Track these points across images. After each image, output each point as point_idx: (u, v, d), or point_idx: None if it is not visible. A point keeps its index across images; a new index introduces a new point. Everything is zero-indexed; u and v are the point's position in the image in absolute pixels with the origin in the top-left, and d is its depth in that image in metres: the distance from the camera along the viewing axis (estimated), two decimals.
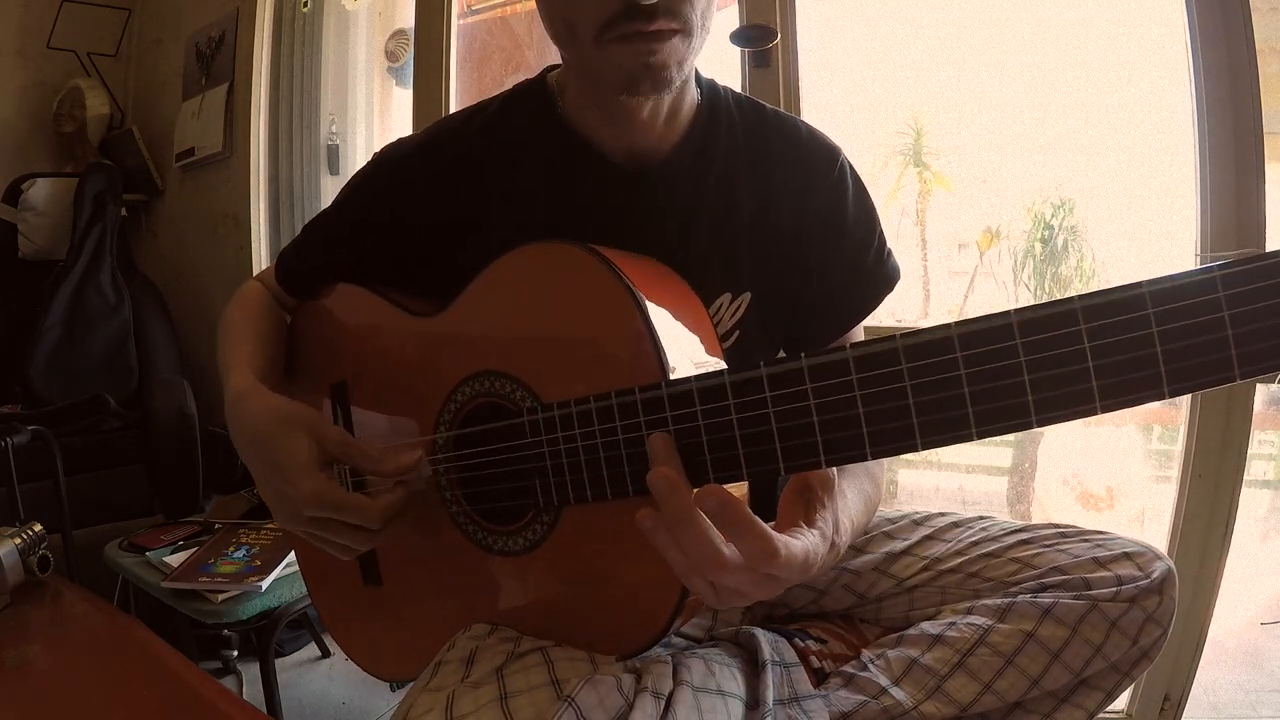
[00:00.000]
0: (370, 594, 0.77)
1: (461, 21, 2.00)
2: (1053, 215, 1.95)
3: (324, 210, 0.84)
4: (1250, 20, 1.21)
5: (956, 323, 0.43)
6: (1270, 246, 1.24)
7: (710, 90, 0.76)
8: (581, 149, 0.73)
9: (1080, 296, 0.41)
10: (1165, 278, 0.40)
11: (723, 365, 0.60)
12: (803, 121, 0.80)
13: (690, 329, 0.60)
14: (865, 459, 0.46)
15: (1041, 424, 0.42)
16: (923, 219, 2.16)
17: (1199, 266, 0.39)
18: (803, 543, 0.49)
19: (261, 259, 2.22)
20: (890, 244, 0.82)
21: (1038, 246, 1.96)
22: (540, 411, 0.58)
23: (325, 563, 0.80)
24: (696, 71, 0.75)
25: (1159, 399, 0.40)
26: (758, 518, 0.47)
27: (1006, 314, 0.42)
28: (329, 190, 2.21)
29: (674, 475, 0.48)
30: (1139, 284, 0.40)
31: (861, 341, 0.46)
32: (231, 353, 0.75)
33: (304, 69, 2.20)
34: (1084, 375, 0.41)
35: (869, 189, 0.81)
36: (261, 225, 2.23)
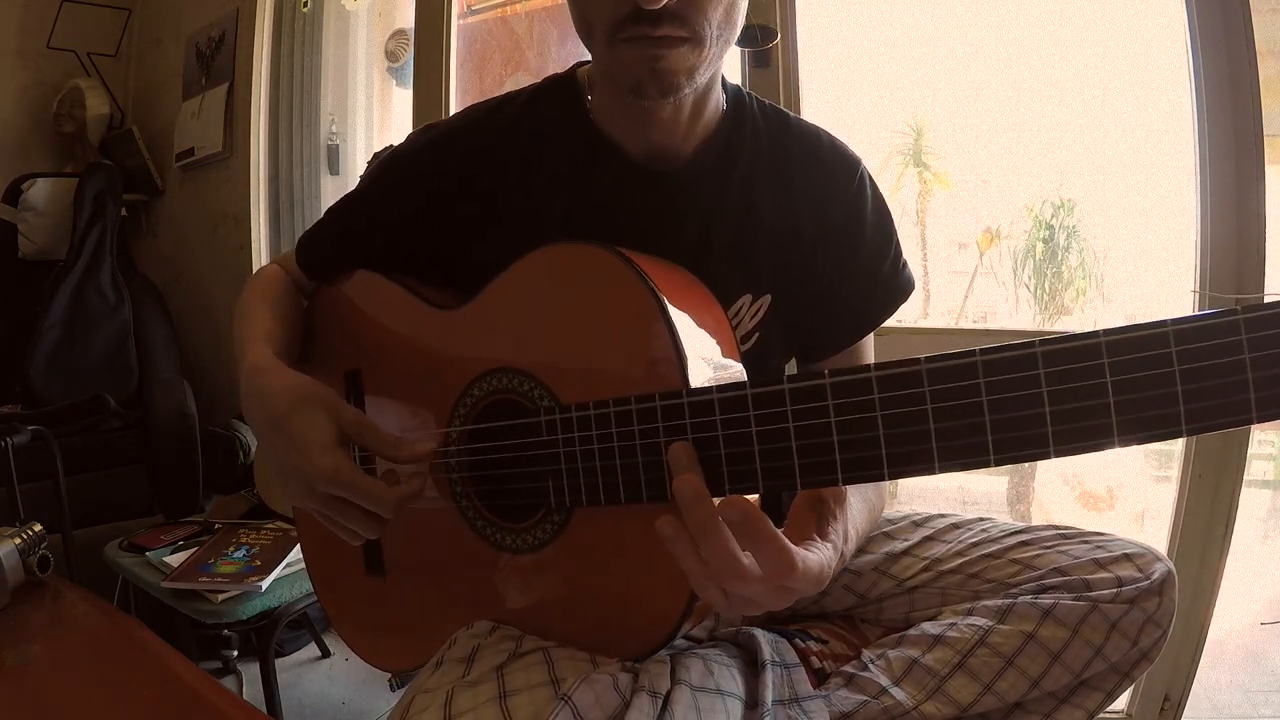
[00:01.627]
0: (373, 584, 0.77)
1: (461, 21, 2.00)
2: (1053, 215, 1.95)
3: (345, 197, 0.83)
4: (1250, 21, 1.22)
5: (981, 349, 0.43)
6: (1270, 247, 1.24)
7: (736, 96, 0.77)
8: (606, 147, 0.73)
9: (1105, 331, 0.41)
10: (1190, 317, 0.40)
11: (742, 370, 0.61)
12: (825, 131, 0.80)
13: (711, 335, 0.60)
14: (883, 479, 0.46)
15: (1060, 455, 0.42)
16: (923, 219, 2.17)
17: (1222, 308, 0.39)
18: (818, 556, 0.50)
19: (261, 259, 2.22)
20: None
21: (1038, 246, 1.96)
22: (558, 412, 0.58)
23: (329, 550, 0.81)
24: (723, 77, 0.75)
25: (1176, 437, 0.40)
26: (779, 531, 0.47)
27: (1031, 344, 0.42)
28: (329, 190, 2.21)
29: (699, 483, 0.49)
30: (1163, 322, 0.40)
31: (885, 362, 0.46)
32: (248, 331, 0.75)
33: (304, 69, 2.20)
34: (1104, 410, 0.41)
35: None
36: (261, 225, 2.23)
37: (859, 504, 0.67)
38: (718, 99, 0.74)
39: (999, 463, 0.43)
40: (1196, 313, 0.40)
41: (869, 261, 0.79)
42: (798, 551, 0.48)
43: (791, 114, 0.80)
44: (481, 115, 0.78)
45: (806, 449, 0.47)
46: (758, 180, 0.75)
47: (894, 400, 0.45)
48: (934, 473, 0.45)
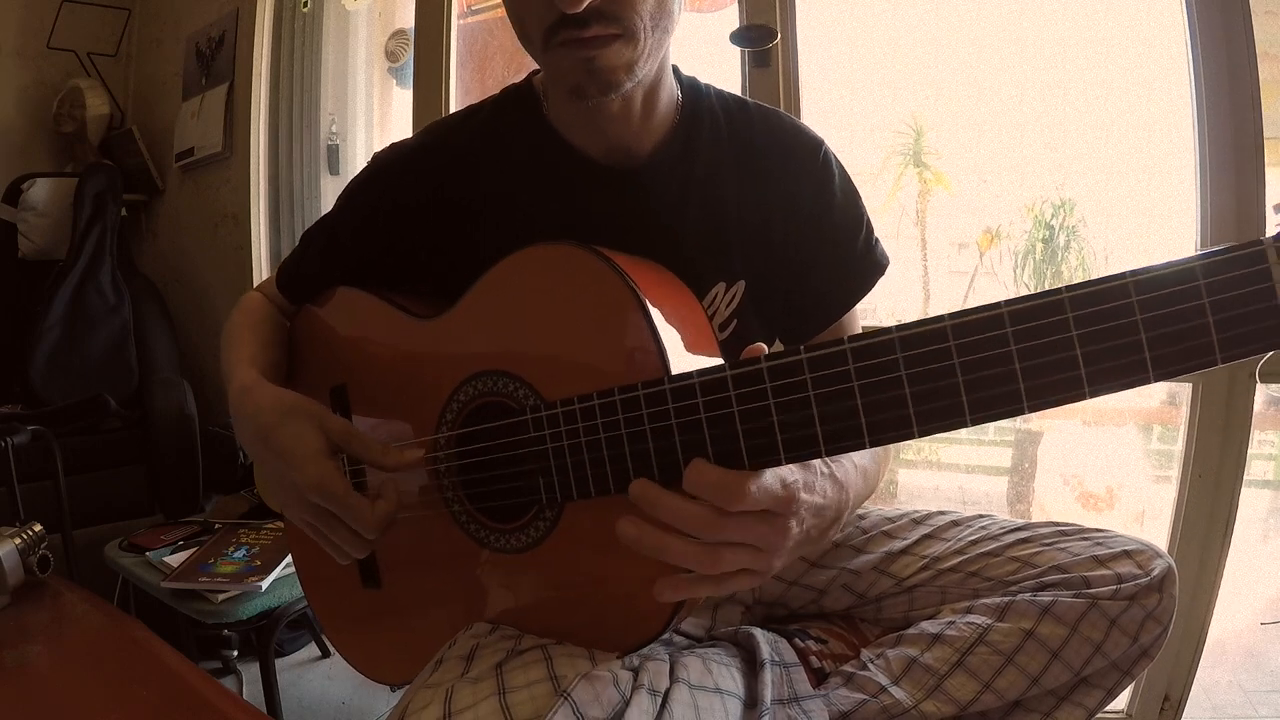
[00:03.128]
0: (369, 596, 0.77)
1: (461, 21, 2.00)
2: (1053, 215, 1.95)
3: (322, 217, 0.85)
4: (1250, 23, 1.22)
5: (950, 314, 0.45)
6: None
7: (691, 87, 0.77)
8: (565, 150, 0.74)
9: (1068, 287, 0.43)
10: (1147, 268, 0.41)
11: (720, 359, 0.60)
12: (787, 115, 0.81)
13: (689, 329, 0.60)
14: (864, 448, 0.48)
15: (1033, 409, 0.44)
16: (923, 219, 2.16)
17: (1179, 257, 0.41)
18: (771, 473, 0.50)
19: (261, 258, 2.22)
20: (889, 243, 0.82)
21: (1038, 246, 1.96)
22: (544, 409, 0.59)
23: (323, 565, 0.81)
24: (676, 69, 0.76)
25: (1145, 383, 0.42)
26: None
27: (997, 305, 0.44)
28: (329, 190, 2.21)
29: (644, 480, 0.52)
30: (1122, 275, 0.42)
31: (859, 334, 0.47)
32: (234, 355, 0.76)
33: (304, 69, 2.20)
34: (1072, 362, 0.43)
35: (868, 189, 0.81)
36: (261, 225, 2.23)
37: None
38: (671, 91, 0.74)
39: (975, 422, 0.45)
40: (1154, 263, 0.42)
41: (840, 240, 0.78)
42: (738, 472, 0.49)
43: (751, 100, 0.80)
44: (447, 129, 0.79)
45: (788, 424, 0.49)
46: (721, 170, 0.75)
47: (869, 370, 0.47)
48: (914, 437, 0.46)
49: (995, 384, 0.44)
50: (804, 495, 0.52)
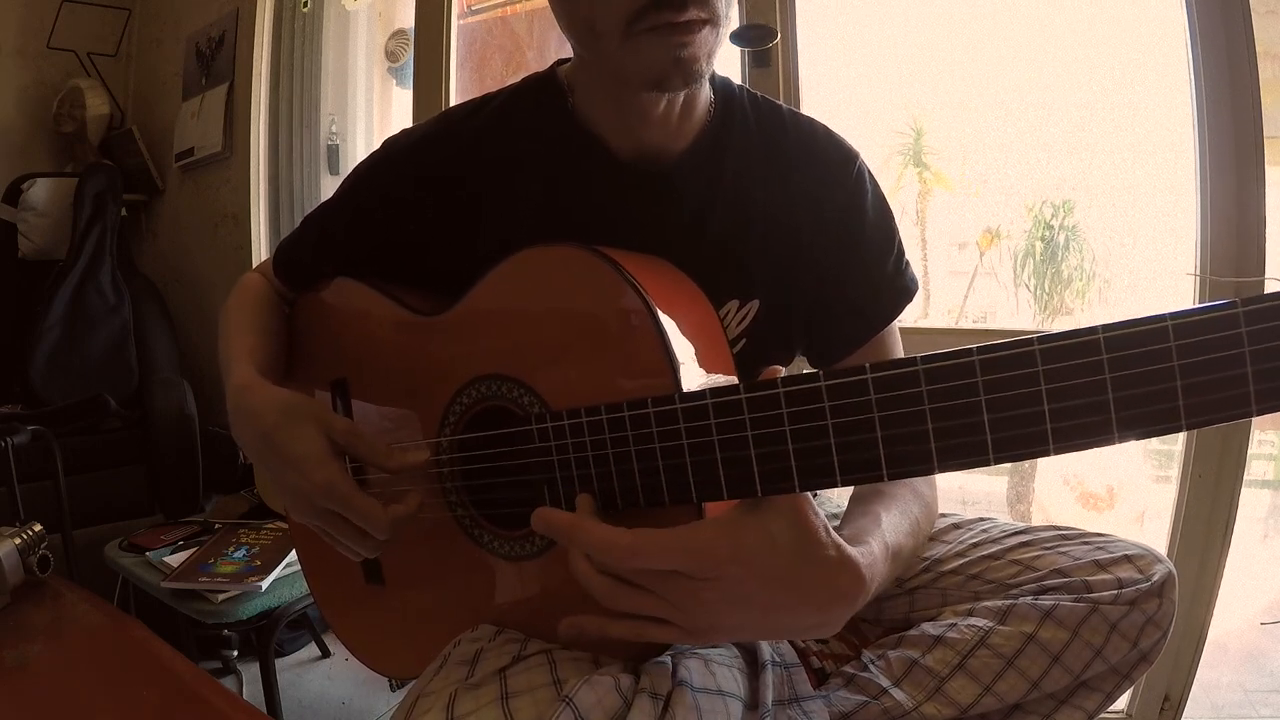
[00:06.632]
0: (373, 593, 0.77)
1: (461, 21, 2.00)
2: (1053, 215, 1.95)
3: (324, 203, 0.83)
4: (1250, 22, 1.21)
5: (979, 348, 0.42)
6: (1270, 247, 1.24)
7: (725, 88, 0.75)
8: (590, 146, 0.72)
9: (1105, 326, 0.40)
10: (1188, 310, 0.39)
11: (733, 372, 0.60)
12: (820, 123, 0.78)
13: (701, 334, 0.59)
14: (882, 480, 0.46)
15: (1059, 452, 0.42)
16: (923, 219, 2.16)
17: (1221, 300, 0.39)
18: (674, 534, 0.49)
19: (261, 258, 2.22)
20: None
21: (1038, 246, 1.96)
22: (550, 419, 0.58)
23: (327, 559, 0.80)
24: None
25: (1176, 431, 0.40)
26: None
27: (1029, 341, 0.41)
28: (329, 190, 2.21)
29: (543, 510, 0.54)
30: (1162, 316, 0.39)
31: (881, 362, 0.45)
32: (232, 346, 0.75)
33: (304, 69, 2.20)
34: (1104, 406, 0.40)
35: None
36: (261, 225, 2.23)
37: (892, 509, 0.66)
38: (706, 91, 0.72)
39: (998, 461, 0.43)
40: (1195, 306, 0.39)
41: (870, 259, 0.76)
42: (621, 531, 0.49)
43: (785, 106, 0.78)
44: (460, 117, 0.76)
45: (804, 451, 0.47)
46: (749, 176, 0.73)
47: (891, 401, 0.44)
48: (933, 473, 0.44)
49: (1021, 424, 0.42)
50: (731, 568, 0.49)
